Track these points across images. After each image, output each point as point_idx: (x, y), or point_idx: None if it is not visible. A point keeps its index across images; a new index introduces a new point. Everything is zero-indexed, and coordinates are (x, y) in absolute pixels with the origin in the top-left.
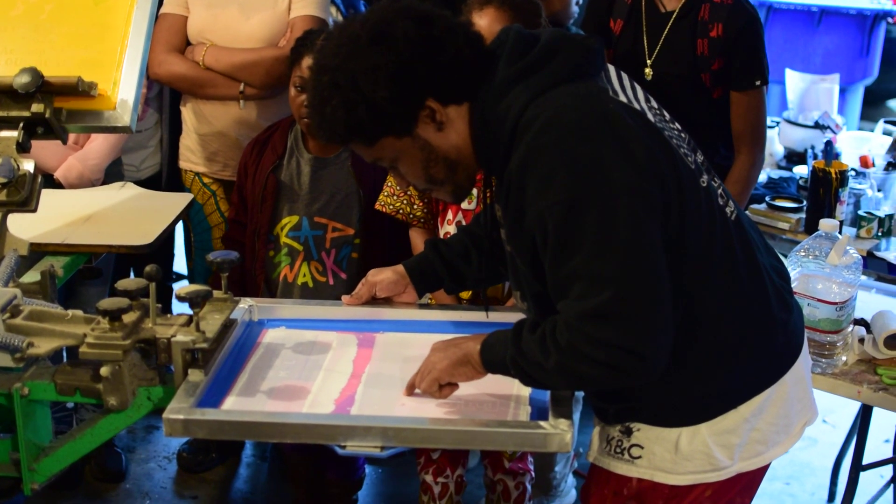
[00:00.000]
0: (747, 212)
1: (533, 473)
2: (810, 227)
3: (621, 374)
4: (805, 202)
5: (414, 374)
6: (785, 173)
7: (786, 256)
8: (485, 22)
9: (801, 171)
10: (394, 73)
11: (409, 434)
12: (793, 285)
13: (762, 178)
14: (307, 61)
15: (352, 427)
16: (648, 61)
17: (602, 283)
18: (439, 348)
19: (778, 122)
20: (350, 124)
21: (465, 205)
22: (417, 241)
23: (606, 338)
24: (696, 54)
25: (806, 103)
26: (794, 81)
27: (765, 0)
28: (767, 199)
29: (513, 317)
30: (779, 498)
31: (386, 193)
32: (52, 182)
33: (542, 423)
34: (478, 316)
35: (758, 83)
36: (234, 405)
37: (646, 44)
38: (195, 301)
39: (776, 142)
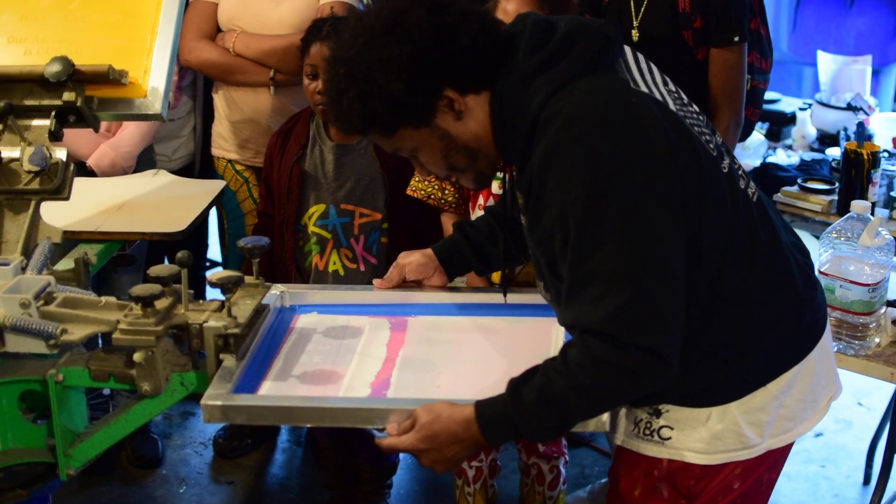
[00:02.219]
0: (779, 194)
1: (567, 457)
2: (842, 209)
3: (644, 380)
4: (837, 184)
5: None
6: (818, 155)
7: (818, 238)
8: (513, 7)
9: (834, 153)
10: (408, 64)
11: None
12: (824, 267)
13: (794, 160)
14: (315, 49)
15: (390, 410)
16: (635, 22)
17: (622, 282)
18: (432, 436)
19: (810, 105)
20: (366, 116)
21: (495, 188)
22: (449, 226)
23: (634, 340)
24: (677, 11)
25: (838, 85)
26: (827, 63)
27: None
28: (799, 181)
29: (533, 298)
30: (814, 481)
31: (417, 179)
32: (84, 170)
33: None
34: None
35: (736, 39)
36: (271, 390)
37: (632, 4)
38: (226, 287)
39: (808, 124)
